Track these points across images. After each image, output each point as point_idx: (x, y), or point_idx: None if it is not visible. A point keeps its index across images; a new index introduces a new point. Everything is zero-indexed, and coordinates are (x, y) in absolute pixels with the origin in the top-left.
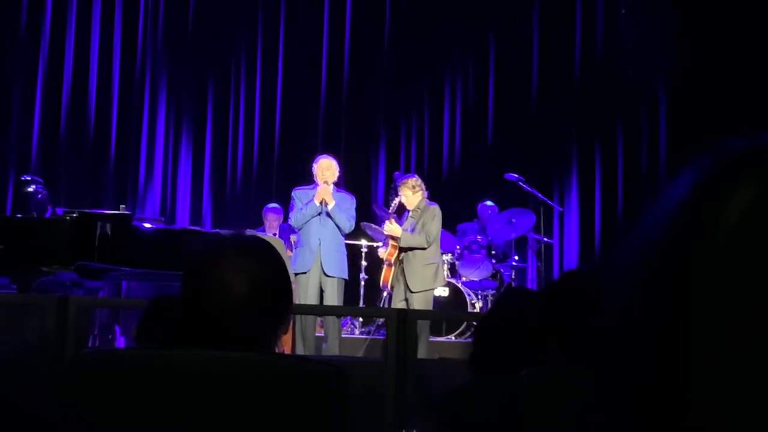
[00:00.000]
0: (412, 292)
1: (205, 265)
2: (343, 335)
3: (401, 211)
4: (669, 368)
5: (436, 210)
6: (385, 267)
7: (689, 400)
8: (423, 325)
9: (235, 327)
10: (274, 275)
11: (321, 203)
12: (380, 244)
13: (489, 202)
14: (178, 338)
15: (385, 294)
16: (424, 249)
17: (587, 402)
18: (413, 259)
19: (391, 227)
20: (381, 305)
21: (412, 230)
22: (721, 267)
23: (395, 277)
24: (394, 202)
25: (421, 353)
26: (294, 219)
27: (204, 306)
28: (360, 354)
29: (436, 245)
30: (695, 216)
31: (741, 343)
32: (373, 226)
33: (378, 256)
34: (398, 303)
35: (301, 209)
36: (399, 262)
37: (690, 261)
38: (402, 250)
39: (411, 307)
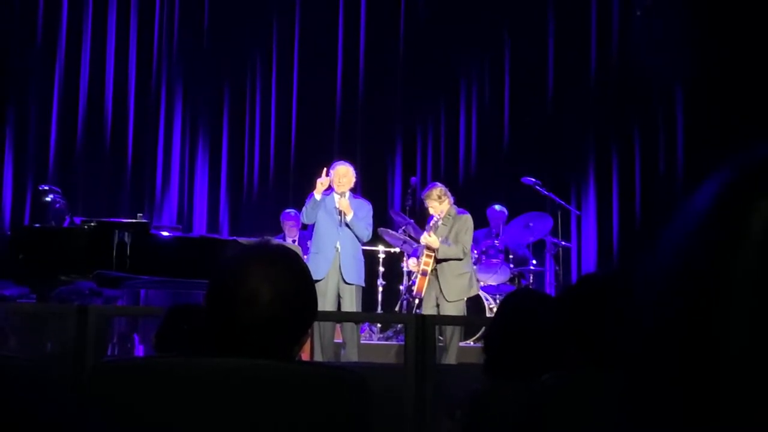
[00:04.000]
0: (448, 301)
1: (232, 273)
2: (361, 341)
3: (424, 216)
4: (699, 373)
5: (468, 221)
6: (419, 276)
7: (718, 403)
8: (454, 332)
9: (260, 335)
10: (300, 284)
11: (340, 214)
12: (397, 249)
13: (498, 206)
14: (204, 346)
15: (416, 301)
16: (459, 260)
17: (614, 405)
18: (447, 270)
19: (429, 239)
20: (398, 310)
21: (445, 240)
22: (749, 275)
23: (427, 286)
24: (434, 219)
25: (451, 359)
26: (302, 216)
27: (230, 314)
28: (379, 360)
29: (468, 255)
30: (722, 224)
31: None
32: (390, 231)
33: (398, 263)
34: (429, 310)
35: (305, 205)
36: (434, 271)
37: (718, 268)
38: (437, 260)
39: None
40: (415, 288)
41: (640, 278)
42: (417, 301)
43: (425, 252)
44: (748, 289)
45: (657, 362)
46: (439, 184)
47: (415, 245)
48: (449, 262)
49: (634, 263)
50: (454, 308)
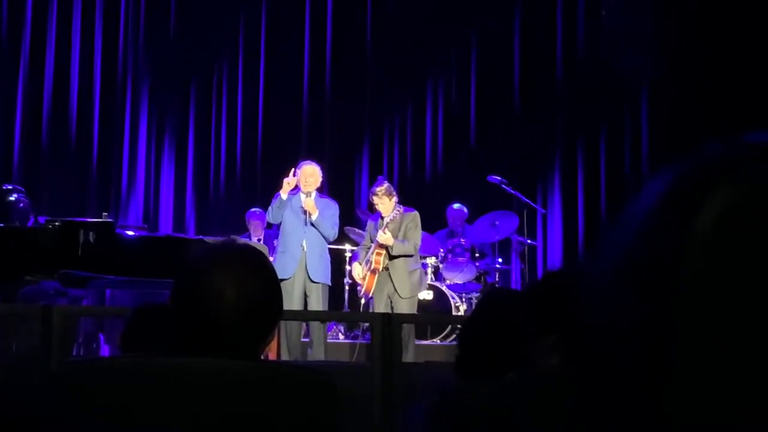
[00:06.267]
0: (402, 297)
1: (197, 273)
2: (328, 340)
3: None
4: (650, 376)
5: (417, 218)
6: (368, 275)
7: (669, 402)
8: (409, 330)
9: (225, 334)
10: (266, 283)
11: (305, 213)
12: (355, 250)
13: (456, 205)
14: (169, 346)
15: (363, 301)
16: (410, 256)
17: (573, 403)
18: (399, 266)
19: (385, 237)
20: (363, 310)
21: (396, 237)
22: (696, 273)
23: (377, 284)
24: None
25: (409, 358)
26: (268, 216)
27: (194, 314)
28: (345, 359)
29: (417, 252)
30: (669, 222)
31: (717, 347)
32: (357, 230)
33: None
34: (381, 309)
35: (272, 205)
36: (385, 269)
37: (665, 267)
38: (390, 257)
39: (396, 312)
40: (363, 288)
41: (587, 279)
42: (363, 300)
43: (375, 250)
44: (697, 288)
45: (610, 364)
46: (386, 181)
47: (359, 247)
48: (400, 259)
49: (590, 262)
50: (409, 305)
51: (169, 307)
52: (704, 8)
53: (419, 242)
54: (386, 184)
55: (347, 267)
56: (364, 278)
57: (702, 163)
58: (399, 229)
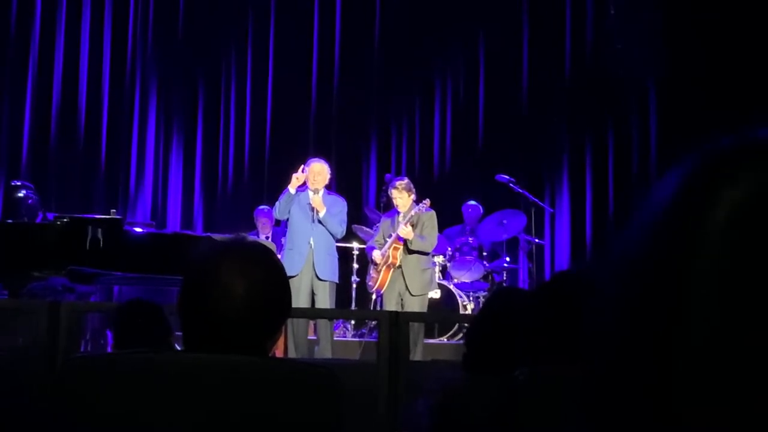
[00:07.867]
0: (413, 295)
1: (205, 269)
2: (335, 338)
3: (388, 208)
4: (661, 373)
5: (434, 218)
6: (383, 269)
7: (677, 401)
8: (419, 330)
9: (233, 330)
10: (274, 279)
11: (313, 210)
12: (367, 245)
13: (472, 202)
14: (160, 342)
15: (374, 297)
16: (426, 255)
17: (578, 403)
18: (413, 264)
19: (407, 231)
20: (373, 307)
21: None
22: (708, 270)
23: (389, 282)
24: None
25: (417, 356)
26: (275, 211)
27: (202, 310)
28: (352, 356)
29: (431, 251)
30: (682, 217)
31: (729, 344)
32: (365, 228)
33: (370, 258)
34: (392, 306)
35: (279, 200)
36: (398, 267)
37: (677, 264)
38: (407, 252)
39: (406, 310)
40: (376, 283)
41: (595, 277)
42: (374, 297)
43: (393, 245)
44: (710, 285)
45: (617, 364)
46: (406, 177)
47: (371, 242)
48: (414, 257)
49: (602, 259)
50: (419, 303)
51: (153, 305)
52: (712, 5)
53: (435, 242)
54: (407, 180)
55: (355, 265)
56: (379, 271)
57: (713, 158)
58: (416, 227)
